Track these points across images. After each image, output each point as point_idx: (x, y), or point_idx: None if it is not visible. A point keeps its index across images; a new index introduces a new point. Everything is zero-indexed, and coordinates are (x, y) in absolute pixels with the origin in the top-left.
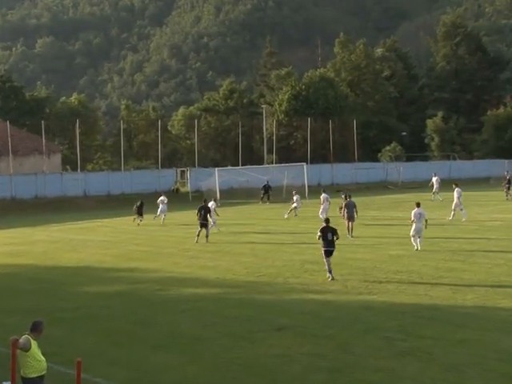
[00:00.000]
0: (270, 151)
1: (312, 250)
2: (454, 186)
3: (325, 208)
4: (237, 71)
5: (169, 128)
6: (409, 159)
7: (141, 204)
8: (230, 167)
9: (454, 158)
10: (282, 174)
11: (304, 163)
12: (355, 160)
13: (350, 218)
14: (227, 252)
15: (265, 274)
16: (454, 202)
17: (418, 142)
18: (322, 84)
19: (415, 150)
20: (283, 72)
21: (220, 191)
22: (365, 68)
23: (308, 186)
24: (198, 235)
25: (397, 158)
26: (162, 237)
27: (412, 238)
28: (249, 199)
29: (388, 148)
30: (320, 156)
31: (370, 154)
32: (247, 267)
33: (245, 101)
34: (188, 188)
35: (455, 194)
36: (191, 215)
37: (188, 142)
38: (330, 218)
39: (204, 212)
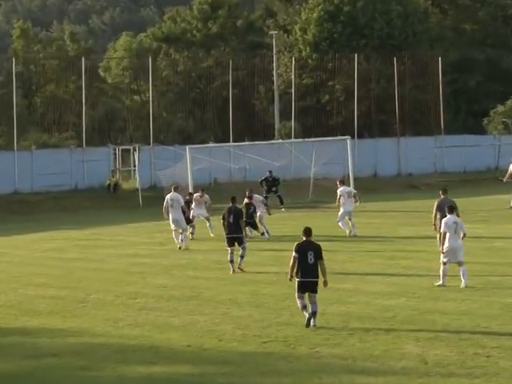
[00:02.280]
0: (285, 115)
1: (360, 294)
2: None
3: (346, 211)
4: None
5: (100, 73)
6: None
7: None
8: (212, 144)
9: None
10: (308, 157)
11: (347, 137)
12: (441, 131)
13: None
14: (207, 299)
15: (276, 339)
16: None
17: None
18: None
19: None
20: None
21: (195, 187)
22: None
23: (355, 179)
24: (232, 261)
25: None
26: (88, 271)
27: (441, 268)
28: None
29: (502, 109)
30: (377, 124)
31: (469, 119)
32: (243, 326)
33: (239, 23)
34: (136, 183)
35: None
36: (142, 232)
37: (136, 97)
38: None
39: (234, 218)
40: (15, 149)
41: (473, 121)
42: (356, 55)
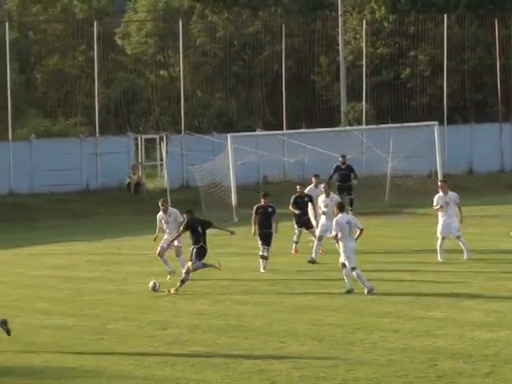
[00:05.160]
0: (354, 95)
1: (451, 324)
2: None
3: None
4: None
5: (117, 41)
6: None
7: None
8: (260, 131)
9: None
10: (383, 148)
11: (435, 122)
12: None
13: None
14: (255, 330)
15: (344, 382)
16: None
17: None
18: None
19: None
20: None
21: (239, 188)
22: None
23: (445, 176)
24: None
25: None
26: (104, 294)
27: (354, 273)
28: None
29: None
30: (473, 105)
31: None
32: (302, 365)
33: None
34: (164, 181)
35: None
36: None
37: (163, 72)
38: None
39: (195, 230)
40: (10, 138)
41: None
42: (446, 16)
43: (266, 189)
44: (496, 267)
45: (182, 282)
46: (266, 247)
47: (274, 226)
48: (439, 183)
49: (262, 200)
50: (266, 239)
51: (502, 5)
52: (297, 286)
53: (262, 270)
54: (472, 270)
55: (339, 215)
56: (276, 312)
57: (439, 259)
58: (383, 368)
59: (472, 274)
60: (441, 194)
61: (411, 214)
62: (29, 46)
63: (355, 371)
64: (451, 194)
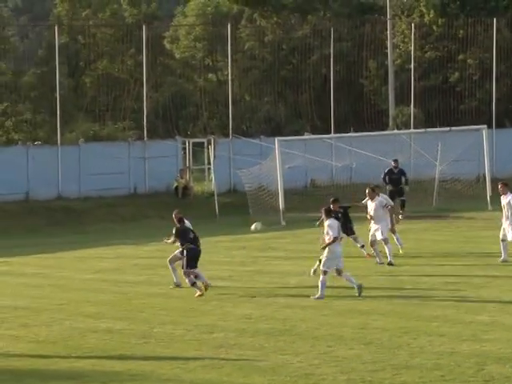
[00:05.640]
0: (402, 99)
1: (499, 329)
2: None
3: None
4: None
5: (166, 45)
6: None
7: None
8: (308, 135)
9: None
10: (431, 152)
11: (483, 126)
12: None
13: None
14: (302, 334)
15: None
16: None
17: None
18: None
19: None
20: None
21: (287, 192)
22: None
23: (493, 180)
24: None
25: None
26: (151, 298)
27: (321, 278)
28: (356, 209)
29: None
30: None
31: None
32: (349, 369)
33: None
34: (211, 185)
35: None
36: (220, 248)
37: (211, 76)
38: None
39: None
40: (58, 142)
41: None
42: (495, 20)
43: (313, 193)
44: None
45: (193, 284)
46: None
47: None
48: (499, 185)
49: (332, 206)
50: None
51: None
52: (343, 290)
53: (311, 274)
54: None
55: (330, 220)
56: (323, 316)
57: (499, 260)
58: (430, 372)
59: None
60: (501, 196)
61: (458, 218)
62: (78, 51)
63: (402, 375)
64: (510, 196)
